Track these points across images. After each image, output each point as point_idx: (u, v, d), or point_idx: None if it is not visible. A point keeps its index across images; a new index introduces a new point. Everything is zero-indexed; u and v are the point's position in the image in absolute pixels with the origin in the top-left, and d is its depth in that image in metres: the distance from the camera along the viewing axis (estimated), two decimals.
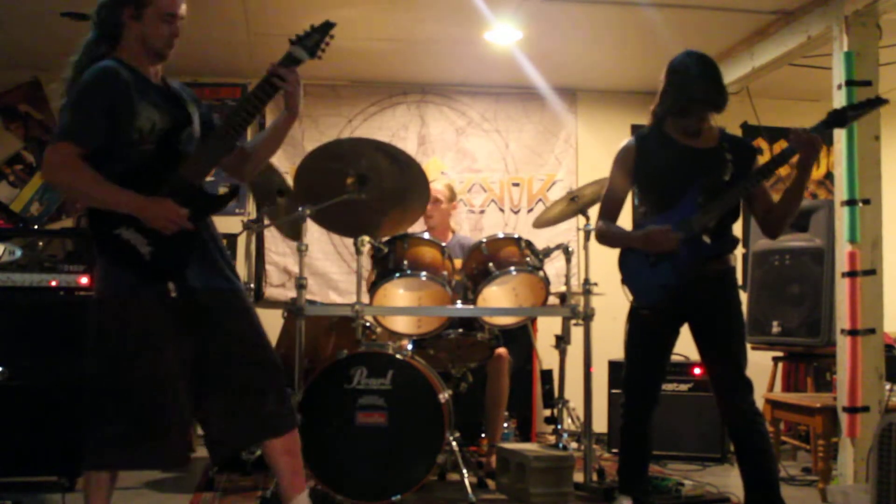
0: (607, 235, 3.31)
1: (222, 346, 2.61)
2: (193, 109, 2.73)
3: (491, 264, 3.88)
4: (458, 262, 4.09)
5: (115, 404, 2.54)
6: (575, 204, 4.22)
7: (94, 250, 2.58)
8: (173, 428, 2.58)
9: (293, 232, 4.35)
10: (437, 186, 4.64)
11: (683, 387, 4.93)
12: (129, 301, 2.54)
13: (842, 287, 4.06)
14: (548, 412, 5.32)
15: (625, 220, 3.38)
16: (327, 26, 2.63)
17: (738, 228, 3.25)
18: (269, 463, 2.69)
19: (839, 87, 4.09)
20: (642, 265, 3.17)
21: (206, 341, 2.59)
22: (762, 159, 3.20)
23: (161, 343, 2.54)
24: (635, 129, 6.29)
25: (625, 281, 3.25)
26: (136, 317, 2.54)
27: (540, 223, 4.48)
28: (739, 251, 5.36)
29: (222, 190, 2.68)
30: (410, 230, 4.11)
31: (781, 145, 3.06)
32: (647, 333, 3.24)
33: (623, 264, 3.26)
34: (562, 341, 4.17)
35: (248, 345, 2.65)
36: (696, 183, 3.09)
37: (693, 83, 3.07)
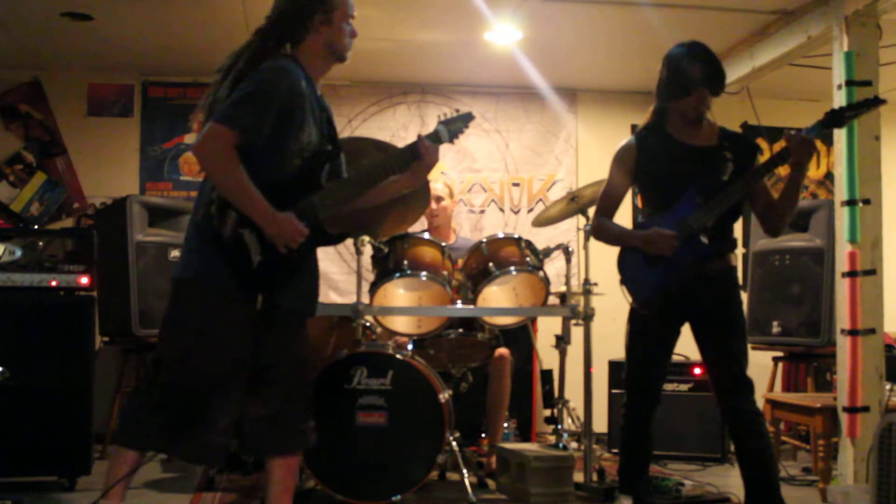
0: (605, 232, 3.31)
1: (278, 361, 2.67)
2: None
3: (491, 264, 3.88)
4: (460, 263, 4.09)
5: (175, 389, 2.56)
6: (575, 204, 4.22)
7: (203, 234, 2.57)
8: (219, 425, 2.60)
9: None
10: (437, 185, 4.65)
11: (683, 387, 4.93)
12: (224, 297, 2.56)
13: (842, 287, 4.06)
14: (548, 412, 5.32)
15: (623, 220, 3.37)
16: (469, 118, 2.83)
17: (738, 228, 3.25)
18: (268, 471, 2.72)
19: (839, 87, 4.09)
20: (641, 265, 3.17)
21: (265, 353, 2.64)
22: (762, 159, 3.19)
23: (234, 344, 2.58)
24: (635, 129, 6.28)
25: (623, 281, 3.24)
26: (224, 314, 2.57)
27: (539, 222, 4.48)
28: (739, 251, 5.36)
29: (336, 231, 2.75)
30: (410, 230, 4.11)
31: (782, 145, 3.05)
32: (648, 333, 3.24)
33: (622, 265, 3.25)
34: (562, 341, 4.16)
35: (299, 365, 2.74)
36: (694, 182, 3.09)
37: (689, 65, 3.09)
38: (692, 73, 3.08)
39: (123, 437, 2.59)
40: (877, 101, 3.04)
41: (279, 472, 2.70)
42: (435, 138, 2.77)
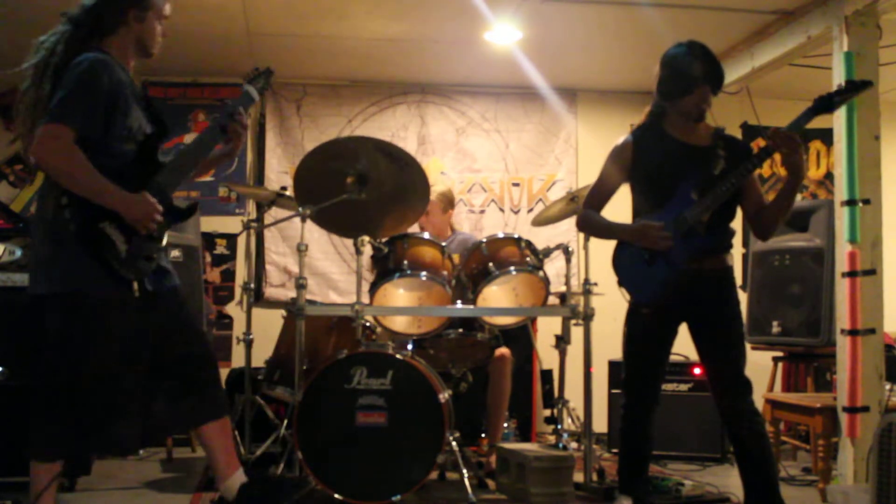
0: (591, 224, 3.31)
1: (170, 339, 2.74)
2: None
3: (491, 264, 3.88)
4: (456, 258, 4.09)
5: (73, 397, 2.62)
6: (574, 203, 4.22)
7: (62, 240, 2.57)
8: (125, 417, 2.74)
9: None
10: (430, 197, 4.61)
11: (683, 387, 4.93)
12: (99, 295, 2.60)
13: (842, 287, 4.06)
14: (548, 412, 5.32)
15: (621, 216, 3.36)
16: (271, 72, 3.06)
17: (737, 228, 3.25)
18: (204, 445, 2.81)
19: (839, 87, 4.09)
20: (639, 263, 3.17)
21: (156, 334, 2.71)
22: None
23: (121, 337, 2.64)
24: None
25: (621, 282, 3.24)
26: (107, 315, 2.62)
27: (539, 221, 4.48)
28: (739, 251, 5.36)
29: (184, 204, 2.86)
30: (410, 230, 4.11)
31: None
32: (646, 333, 3.24)
33: (618, 265, 3.25)
34: (562, 341, 4.16)
35: (191, 337, 2.81)
36: (689, 179, 3.09)
37: (690, 63, 3.10)
38: (694, 70, 3.09)
39: (39, 453, 2.66)
40: (864, 84, 3.05)
41: (217, 441, 2.77)
42: (248, 99, 2.93)
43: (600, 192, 3.31)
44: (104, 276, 2.57)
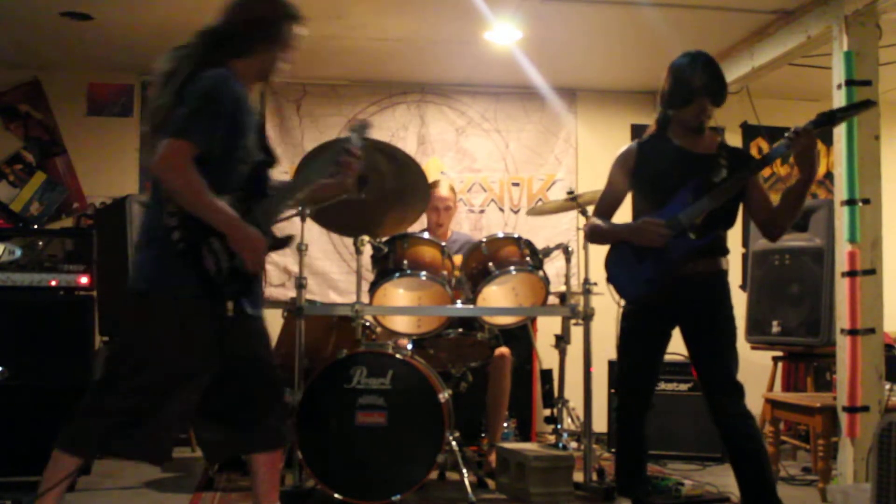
0: (597, 232, 3.34)
1: (244, 364, 2.70)
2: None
3: (491, 264, 3.89)
4: (457, 258, 4.09)
5: (127, 396, 2.57)
6: (574, 202, 4.21)
7: (168, 253, 2.56)
8: (169, 427, 2.65)
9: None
10: (444, 193, 4.61)
11: (683, 387, 4.93)
12: (189, 305, 2.57)
13: (842, 287, 4.06)
14: (548, 412, 5.32)
15: (623, 218, 3.37)
16: (368, 126, 2.97)
17: (737, 228, 3.25)
18: (252, 471, 2.77)
19: (839, 86, 4.09)
20: (630, 261, 3.19)
21: (233, 357, 2.66)
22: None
23: (197, 350, 2.60)
24: (635, 128, 6.27)
25: (609, 279, 3.26)
26: (196, 328, 2.58)
27: (535, 211, 4.50)
28: (739, 251, 5.36)
29: (282, 235, 2.86)
30: (410, 230, 4.11)
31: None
32: (639, 334, 3.25)
33: (608, 262, 3.27)
34: (562, 341, 4.17)
35: (265, 365, 2.77)
36: (688, 184, 3.11)
37: (692, 74, 3.11)
38: (694, 82, 3.11)
39: (67, 443, 2.57)
40: (868, 104, 3.07)
41: (263, 469, 2.75)
42: (354, 140, 2.88)
43: (608, 201, 3.34)
44: (198, 290, 2.57)
